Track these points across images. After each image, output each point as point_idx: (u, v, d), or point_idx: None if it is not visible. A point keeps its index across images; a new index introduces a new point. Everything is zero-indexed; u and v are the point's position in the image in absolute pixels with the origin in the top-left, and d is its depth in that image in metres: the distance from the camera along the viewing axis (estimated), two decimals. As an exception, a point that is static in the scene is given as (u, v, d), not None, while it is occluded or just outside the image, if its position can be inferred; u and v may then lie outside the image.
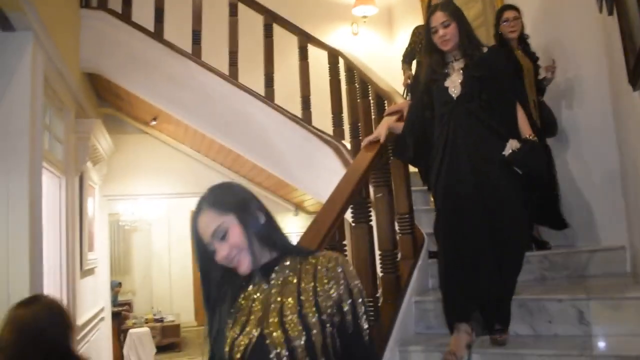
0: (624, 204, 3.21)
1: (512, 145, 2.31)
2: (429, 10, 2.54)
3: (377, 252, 2.69)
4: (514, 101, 2.42)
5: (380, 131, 2.74)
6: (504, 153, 2.31)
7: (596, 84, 3.46)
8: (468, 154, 2.36)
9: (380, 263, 2.70)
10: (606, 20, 2.94)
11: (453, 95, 2.43)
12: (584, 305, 2.54)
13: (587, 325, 2.51)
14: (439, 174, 2.43)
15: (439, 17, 2.44)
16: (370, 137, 2.75)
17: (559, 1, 3.84)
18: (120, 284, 8.82)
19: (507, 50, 3.42)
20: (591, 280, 2.94)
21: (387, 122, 2.80)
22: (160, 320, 8.99)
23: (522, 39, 3.60)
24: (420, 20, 5.84)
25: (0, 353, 1.78)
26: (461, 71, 2.45)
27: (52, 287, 3.49)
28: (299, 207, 6.44)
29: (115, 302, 7.85)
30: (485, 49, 2.49)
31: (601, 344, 2.43)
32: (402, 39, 6.02)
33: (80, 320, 4.11)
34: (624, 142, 3.00)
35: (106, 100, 5.27)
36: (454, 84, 2.45)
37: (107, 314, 5.71)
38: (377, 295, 2.53)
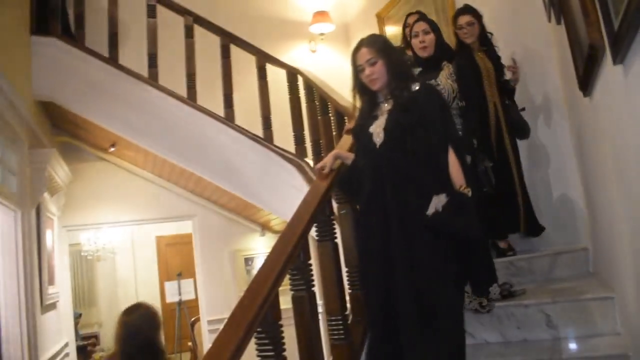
0: (585, 206, 3.29)
1: (436, 202, 2.02)
2: (355, 47, 2.29)
3: (345, 269, 2.66)
4: (444, 147, 2.13)
5: (326, 160, 2.54)
6: (427, 213, 2.02)
7: (553, 90, 3.57)
8: (386, 212, 2.11)
9: (348, 280, 2.68)
10: (556, 28, 3.03)
11: (376, 143, 2.20)
12: (550, 309, 2.58)
13: (555, 328, 2.55)
14: (356, 229, 2.33)
15: (364, 54, 2.23)
16: (318, 165, 2.57)
17: (512, 9, 3.94)
18: (80, 315, 8.52)
19: (466, 55, 3.36)
20: (556, 283, 2.99)
21: (336, 151, 2.59)
22: (129, 351, 8.71)
23: (484, 39, 3.46)
24: (376, 36, 5.92)
25: (116, 345, 2.64)
26: (387, 114, 2.24)
27: (11, 324, 3.35)
28: (265, 227, 6.38)
29: (76, 335, 7.58)
30: (416, 87, 2.24)
31: (569, 346, 2.47)
32: (360, 55, 6.08)
33: (43, 358, 3.95)
34: (580, 147, 3.09)
35: (62, 128, 5.13)
36: (378, 130, 2.22)
37: (72, 349, 5.51)
38: (347, 313, 2.50)
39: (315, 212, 2.31)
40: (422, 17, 3.07)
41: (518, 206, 3.37)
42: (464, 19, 3.40)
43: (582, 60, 2.16)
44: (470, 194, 2.07)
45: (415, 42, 2.93)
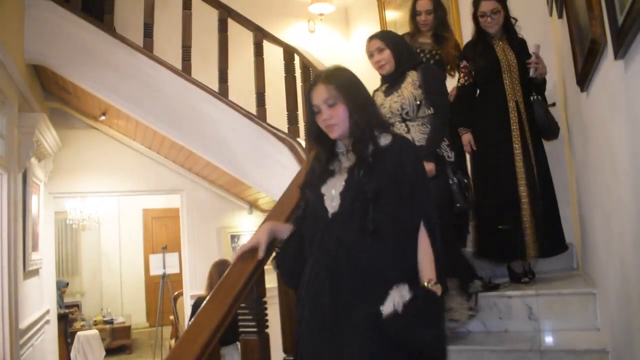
0: (573, 202, 3.30)
1: (396, 298, 1.50)
2: (312, 81, 1.80)
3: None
4: (415, 225, 1.61)
5: (260, 239, 1.86)
6: (382, 310, 1.50)
7: (550, 85, 3.55)
8: (328, 305, 1.59)
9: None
10: (556, 22, 3.02)
11: (329, 210, 1.67)
12: (532, 301, 2.60)
13: (536, 320, 2.58)
14: (299, 320, 1.72)
15: (320, 92, 1.71)
16: (246, 246, 1.90)
17: (513, 2, 3.90)
18: (67, 284, 8.52)
19: (483, 45, 3.10)
20: (540, 277, 3.02)
21: (269, 225, 1.92)
22: (110, 322, 8.73)
23: (507, 27, 3.11)
24: (376, 20, 5.88)
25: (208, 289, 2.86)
26: (347, 173, 1.72)
27: (-8, 289, 3.33)
28: (253, 205, 6.37)
29: (61, 304, 7.58)
30: (387, 140, 1.71)
31: (549, 339, 2.50)
32: (359, 38, 6.05)
33: (23, 324, 3.93)
34: (573, 143, 3.09)
35: (53, 93, 5.07)
36: (333, 192, 1.69)
37: (53, 317, 5.50)
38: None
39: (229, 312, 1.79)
40: (374, 35, 2.77)
41: (526, 224, 2.92)
42: (487, 6, 3.05)
43: (582, 55, 2.15)
44: (440, 292, 1.57)
45: (372, 62, 2.77)
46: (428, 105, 2.66)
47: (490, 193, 3.01)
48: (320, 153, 1.81)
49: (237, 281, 1.86)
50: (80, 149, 5.54)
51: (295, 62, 4.35)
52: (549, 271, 3.14)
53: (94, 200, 8.76)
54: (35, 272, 4.69)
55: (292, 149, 4.09)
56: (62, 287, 7.96)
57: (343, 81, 1.73)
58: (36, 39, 4.08)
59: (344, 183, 1.67)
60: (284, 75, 4.33)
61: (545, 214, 2.93)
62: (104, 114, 5.00)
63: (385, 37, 2.75)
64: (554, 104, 3.15)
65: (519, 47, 3.11)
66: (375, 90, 2.83)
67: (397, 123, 2.66)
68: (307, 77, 4.16)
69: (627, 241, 1.69)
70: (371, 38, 2.75)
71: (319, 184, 1.73)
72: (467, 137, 3.14)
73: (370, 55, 2.75)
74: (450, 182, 2.64)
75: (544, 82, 3.09)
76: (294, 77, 4.35)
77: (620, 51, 1.46)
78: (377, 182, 1.60)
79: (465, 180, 2.75)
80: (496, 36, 3.11)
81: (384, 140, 1.70)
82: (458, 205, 2.64)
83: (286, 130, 4.26)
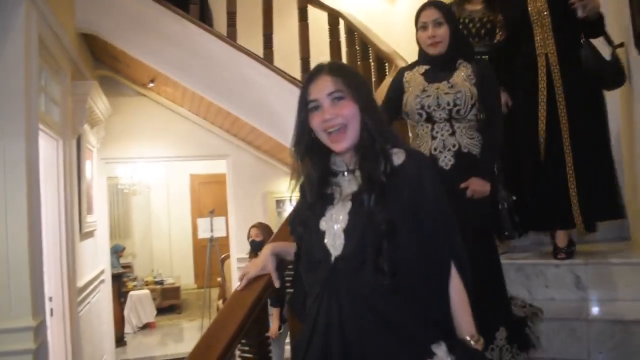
0: (627, 171, 3.19)
1: None
2: (311, 71, 1.39)
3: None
4: (445, 266, 1.26)
5: (266, 264, 1.54)
6: None
7: (601, 48, 3.39)
8: None
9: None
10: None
11: (331, 252, 1.27)
12: (581, 270, 2.55)
13: (584, 290, 2.54)
14: None
15: (324, 84, 1.31)
16: (251, 274, 1.57)
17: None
18: (124, 249, 8.89)
19: None
20: (590, 246, 2.96)
21: (271, 249, 1.58)
22: (160, 282, 9.08)
23: None
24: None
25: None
26: (350, 201, 1.30)
27: (52, 249, 3.51)
28: (297, 171, 6.42)
29: (117, 266, 7.92)
30: (401, 156, 1.31)
31: (596, 308, 2.46)
32: (404, 2, 5.90)
33: (80, 282, 4.14)
34: (629, 109, 2.96)
35: (102, 61, 5.18)
36: (336, 228, 1.28)
37: (107, 277, 5.76)
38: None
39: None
40: (431, 2, 2.27)
41: (568, 195, 2.63)
42: None
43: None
44: (482, 347, 1.28)
45: (422, 36, 2.27)
46: (481, 110, 2.24)
47: (519, 158, 2.79)
48: (312, 172, 1.35)
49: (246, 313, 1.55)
50: (129, 115, 5.68)
51: (340, 27, 4.31)
52: (600, 240, 3.07)
53: (144, 165, 9.00)
54: (91, 234, 4.90)
55: (337, 115, 4.08)
56: (119, 251, 8.33)
57: (353, 76, 1.35)
58: (86, 8, 4.17)
59: (347, 216, 1.27)
60: (329, 39, 4.30)
61: (587, 179, 2.63)
62: (152, 81, 5.09)
63: (445, 9, 2.26)
64: (621, 45, 2.66)
65: None
66: (405, 69, 2.41)
67: (440, 121, 2.22)
68: (352, 41, 4.12)
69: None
70: (427, 5, 2.27)
71: (315, 217, 1.31)
72: (503, 97, 2.76)
73: (423, 27, 2.25)
74: (500, 208, 2.38)
75: (600, 18, 2.61)
76: (339, 42, 4.32)
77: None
78: (391, 212, 1.22)
79: (514, 197, 2.50)
80: None
81: (397, 157, 1.30)
82: (506, 233, 2.41)
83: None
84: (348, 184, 1.32)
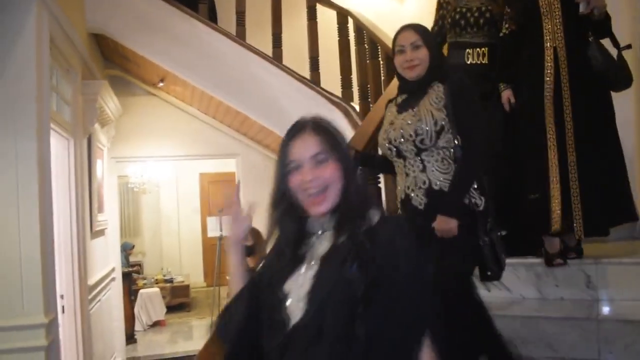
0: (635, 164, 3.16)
1: None
2: (291, 128, 1.25)
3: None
4: (418, 337, 1.11)
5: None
6: None
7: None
8: None
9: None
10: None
11: (290, 319, 1.13)
12: (591, 269, 2.54)
13: (594, 289, 2.52)
14: None
15: (308, 145, 1.19)
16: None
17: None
18: (133, 247, 8.94)
19: None
20: (600, 244, 2.94)
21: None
22: (170, 280, 9.13)
23: None
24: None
25: None
26: (320, 263, 1.18)
27: (63, 248, 3.54)
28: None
29: (127, 263, 7.98)
30: (375, 216, 1.18)
31: (607, 308, 2.45)
32: (413, 1, 5.89)
33: (91, 280, 4.17)
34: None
35: (113, 61, 5.22)
36: (299, 293, 1.15)
37: (118, 275, 5.80)
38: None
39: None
40: (408, 26, 2.14)
41: (554, 192, 2.53)
42: None
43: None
44: None
45: (399, 59, 2.10)
46: (454, 134, 2.00)
47: (520, 158, 2.67)
48: (288, 235, 1.24)
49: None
50: (139, 115, 5.71)
51: (348, 25, 4.30)
52: (610, 239, 3.04)
53: (154, 164, 9.05)
54: (101, 233, 4.93)
55: (346, 113, 4.08)
56: (128, 249, 8.38)
57: (335, 135, 1.23)
58: (96, 8, 4.20)
59: (314, 279, 1.14)
60: (338, 38, 4.30)
61: (597, 182, 2.51)
62: (162, 80, 5.12)
63: (423, 32, 2.12)
64: (629, 46, 2.56)
65: None
66: (389, 102, 2.26)
67: (411, 156, 2.04)
68: (361, 40, 4.12)
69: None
70: (404, 28, 2.13)
71: (280, 276, 1.20)
72: (506, 94, 2.75)
73: (400, 51, 2.09)
74: (481, 244, 1.99)
75: (606, 19, 2.53)
76: (348, 41, 4.32)
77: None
78: (368, 276, 1.09)
79: (502, 233, 2.20)
80: None
81: (373, 216, 1.19)
82: (489, 273, 2.05)
83: (340, 94, 4.25)
84: (320, 245, 1.20)
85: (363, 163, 2.31)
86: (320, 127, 1.22)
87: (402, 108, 2.11)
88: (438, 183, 1.99)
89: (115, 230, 5.68)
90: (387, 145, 2.11)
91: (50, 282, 2.77)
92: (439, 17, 3.15)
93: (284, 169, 1.22)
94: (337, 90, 4.27)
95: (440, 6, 3.18)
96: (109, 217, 5.31)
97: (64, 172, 3.62)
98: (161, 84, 5.26)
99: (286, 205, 1.24)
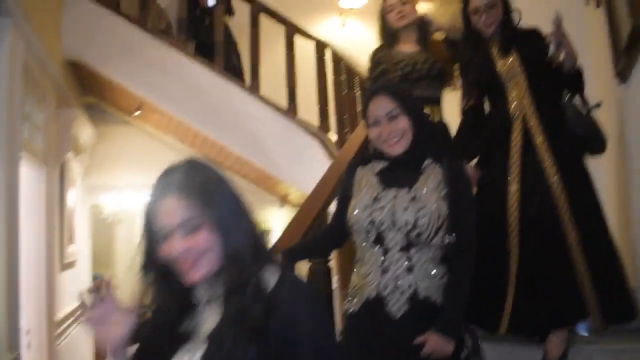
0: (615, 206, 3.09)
1: None
2: (151, 200, 1.07)
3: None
4: None
5: None
6: None
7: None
8: None
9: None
10: (590, 11, 2.91)
11: None
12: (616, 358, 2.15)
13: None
14: None
15: (175, 212, 1.01)
16: None
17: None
18: (102, 279, 8.72)
19: (475, 51, 2.33)
20: (621, 330, 2.21)
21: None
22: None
23: (505, 25, 2.25)
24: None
25: None
26: (207, 341, 1.03)
27: (32, 281, 3.42)
28: (284, 200, 6.40)
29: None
30: (274, 277, 1.01)
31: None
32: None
33: (60, 314, 4.04)
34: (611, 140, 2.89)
35: (89, 89, 5.16)
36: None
37: (89, 308, 5.62)
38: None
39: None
40: (380, 88, 1.79)
41: (577, 284, 2.02)
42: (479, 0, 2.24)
43: (620, 46, 2.09)
44: None
45: (374, 132, 1.70)
46: (449, 230, 1.62)
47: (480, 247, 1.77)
48: (168, 306, 1.04)
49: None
50: (115, 144, 5.64)
51: (326, 57, 4.35)
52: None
53: (129, 194, 8.92)
54: (72, 265, 4.80)
55: (323, 143, 4.09)
56: (96, 281, 8.17)
57: (209, 188, 1.03)
58: (73, 36, 4.16)
59: None
60: (316, 69, 4.34)
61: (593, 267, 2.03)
62: (139, 108, 5.08)
63: (400, 96, 1.69)
64: (598, 105, 2.22)
65: (524, 42, 2.24)
66: (357, 163, 1.80)
67: (395, 250, 1.61)
68: (338, 71, 4.16)
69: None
70: (376, 93, 1.71)
71: (162, 356, 1.00)
72: (472, 173, 2.28)
73: (375, 123, 1.68)
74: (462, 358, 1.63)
75: (578, 74, 2.16)
76: (325, 72, 4.36)
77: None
78: (260, 354, 0.92)
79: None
80: (493, 37, 2.28)
81: (270, 278, 1.00)
82: None
83: (317, 124, 4.26)
84: (206, 318, 1.01)
85: (293, 260, 1.81)
86: (189, 187, 1.01)
87: (388, 182, 1.68)
88: (426, 290, 1.60)
89: (86, 262, 5.54)
90: (365, 226, 1.64)
91: (14, 318, 2.67)
92: (379, 73, 2.67)
93: (153, 236, 1.01)
94: (315, 120, 4.28)
95: (377, 63, 2.73)
96: (80, 248, 5.18)
97: (35, 201, 3.53)
98: (138, 113, 5.21)
99: (162, 270, 1.02)
